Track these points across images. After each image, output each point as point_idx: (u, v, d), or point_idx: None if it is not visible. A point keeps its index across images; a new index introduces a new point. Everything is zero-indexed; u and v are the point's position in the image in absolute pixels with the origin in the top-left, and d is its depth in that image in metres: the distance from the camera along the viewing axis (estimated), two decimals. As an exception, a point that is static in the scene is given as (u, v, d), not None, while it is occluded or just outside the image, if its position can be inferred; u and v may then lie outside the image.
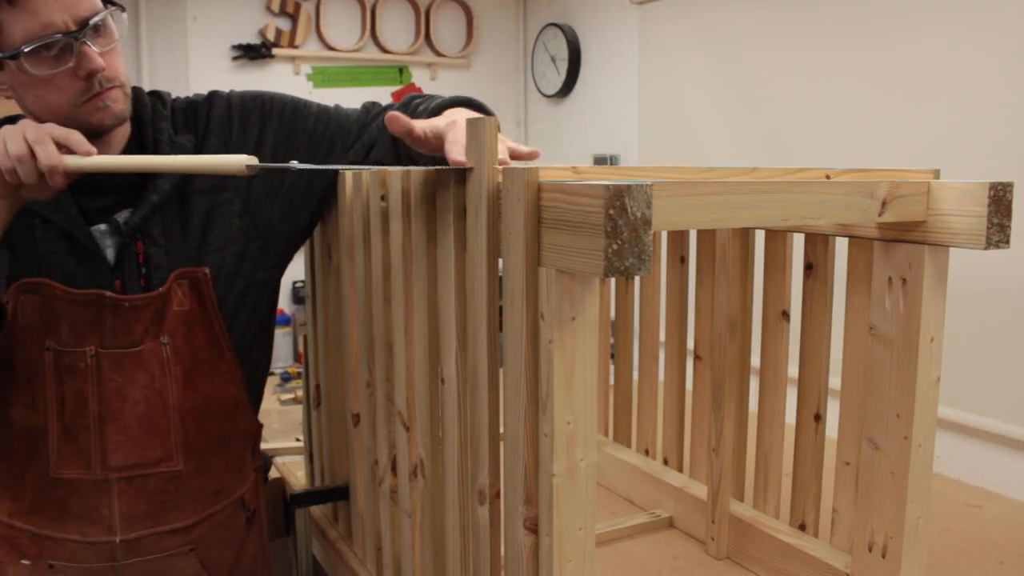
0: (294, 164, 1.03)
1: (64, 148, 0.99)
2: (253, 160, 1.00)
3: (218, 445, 1.23)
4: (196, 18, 3.01)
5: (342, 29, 3.25)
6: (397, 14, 3.37)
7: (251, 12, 3.10)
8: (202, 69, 3.03)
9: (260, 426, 1.33)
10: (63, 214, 1.10)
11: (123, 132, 1.16)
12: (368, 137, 1.25)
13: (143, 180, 1.14)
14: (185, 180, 1.17)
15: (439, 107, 1.17)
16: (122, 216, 1.14)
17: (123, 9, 1.09)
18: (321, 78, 3.23)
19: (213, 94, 1.24)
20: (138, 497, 1.17)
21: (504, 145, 0.97)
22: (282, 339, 3.01)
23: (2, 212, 1.03)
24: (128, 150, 1.16)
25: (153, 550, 1.19)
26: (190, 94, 1.27)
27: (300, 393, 2.51)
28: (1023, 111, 1.72)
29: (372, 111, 1.29)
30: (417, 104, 1.22)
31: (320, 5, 3.17)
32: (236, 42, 3.06)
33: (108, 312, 1.12)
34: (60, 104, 1.05)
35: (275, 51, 3.10)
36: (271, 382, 2.68)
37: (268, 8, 3.10)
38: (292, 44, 3.15)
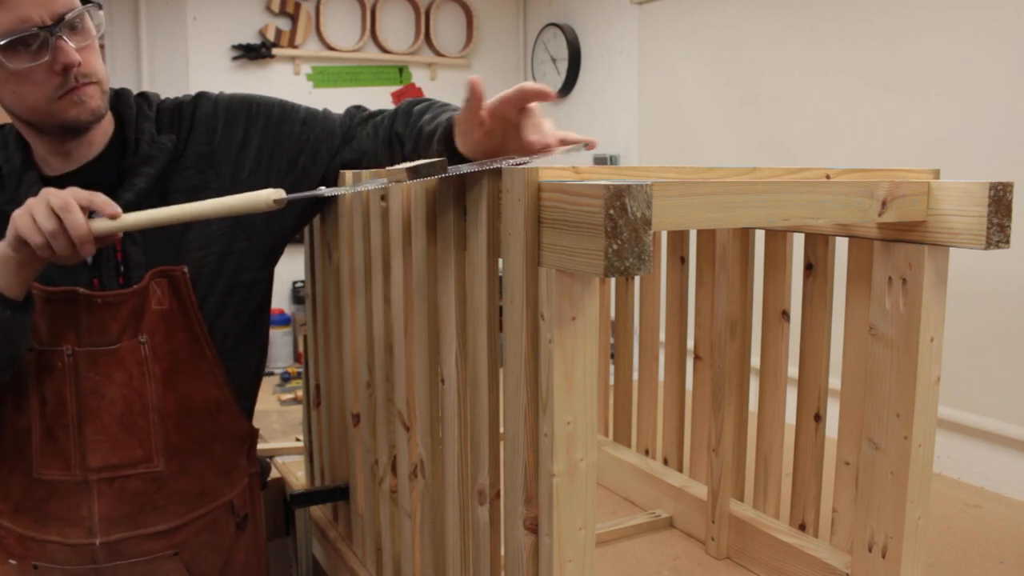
0: (321, 190, 1.02)
1: (88, 211, 0.98)
2: (279, 193, 0.98)
3: (201, 446, 1.21)
4: (196, 18, 3.01)
5: (342, 29, 3.25)
6: (397, 14, 3.36)
7: (251, 12, 3.09)
8: (202, 69, 3.02)
9: (255, 431, 1.31)
10: None
11: (105, 132, 1.16)
12: (357, 145, 1.23)
13: (121, 178, 1.14)
14: (166, 179, 1.16)
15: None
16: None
17: (100, 7, 1.09)
18: (321, 78, 3.22)
19: (200, 94, 1.24)
20: (118, 499, 1.16)
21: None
22: (282, 339, 2.99)
23: (31, 275, 1.03)
24: (110, 149, 1.16)
25: (135, 553, 1.18)
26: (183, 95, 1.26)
27: (300, 393, 2.51)
28: (1023, 111, 1.71)
29: (356, 116, 1.27)
30: (422, 111, 1.15)
31: (320, 5, 3.17)
32: (236, 42, 3.06)
33: (83, 310, 1.11)
34: (37, 99, 1.05)
35: (275, 51, 3.10)
36: (271, 382, 2.67)
37: (268, 8, 3.10)
38: (292, 44, 3.14)
